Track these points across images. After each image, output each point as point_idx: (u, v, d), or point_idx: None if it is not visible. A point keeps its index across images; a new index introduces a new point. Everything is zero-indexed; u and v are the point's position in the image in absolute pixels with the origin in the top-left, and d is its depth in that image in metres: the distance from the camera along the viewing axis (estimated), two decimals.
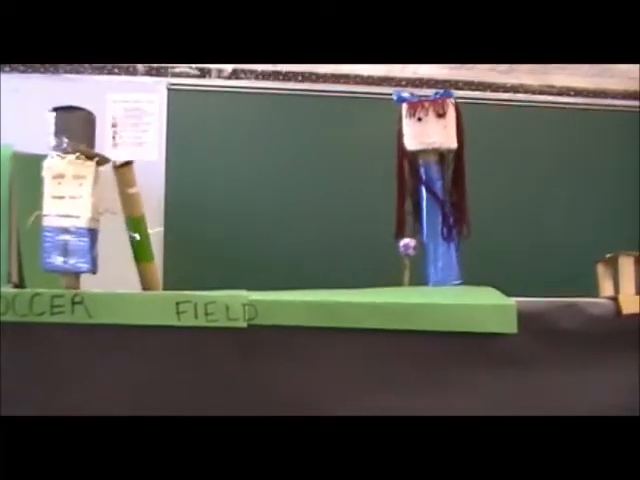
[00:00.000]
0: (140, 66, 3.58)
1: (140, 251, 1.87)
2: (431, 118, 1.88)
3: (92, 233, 1.60)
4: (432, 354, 1.49)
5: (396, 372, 1.49)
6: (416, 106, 1.89)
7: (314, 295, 1.53)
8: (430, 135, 1.88)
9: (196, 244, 3.49)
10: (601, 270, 1.69)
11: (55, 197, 1.60)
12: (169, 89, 3.60)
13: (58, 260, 1.58)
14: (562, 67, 3.67)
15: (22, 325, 1.45)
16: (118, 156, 3.40)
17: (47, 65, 3.52)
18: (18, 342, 1.46)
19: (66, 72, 3.53)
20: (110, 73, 3.57)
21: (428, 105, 1.89)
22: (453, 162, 1.92)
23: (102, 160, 1.65)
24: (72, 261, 1.58)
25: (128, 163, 1.82)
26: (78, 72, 3.54)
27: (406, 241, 1.99)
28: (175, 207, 3.52)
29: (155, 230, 1.88)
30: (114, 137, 3.56)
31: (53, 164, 1.61)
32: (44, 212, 1.60)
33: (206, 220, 3.54)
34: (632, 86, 3.72)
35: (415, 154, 1.91)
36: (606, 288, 1.66)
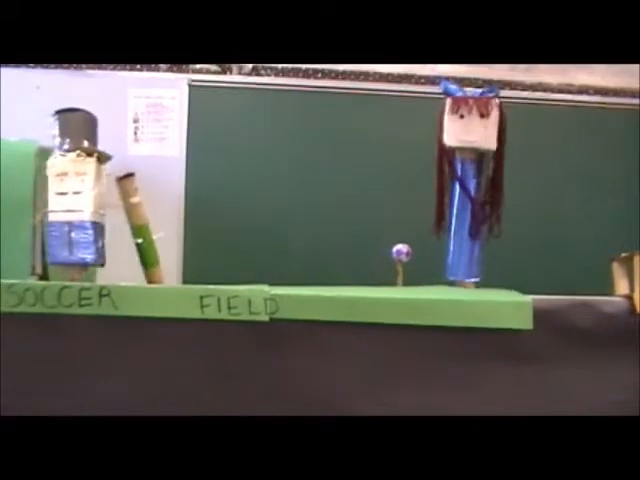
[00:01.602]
0: None
1: (146, 256, 1.91)
2: (474, 116, 1.86)
3: (96, 226, 1.66)
4: (449, 349, 1.51)
5: (415, 367, 1.52)
6: (460, 102, 1.87)
7: (334, 291, 1.55)
8: (471, 134, 1.86)
9: (215, 237, 3.50)
10: (616, 269, 1.70)
11: (59, 194, 1.67)
12: (190, 85, 3.61)
13: (63, 253, 1.63)
14: (581, 66, 3.67)
15: (50, 316, 1.48)
16: (139, 151, 3.47)
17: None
18: (46, 333, 1.49)
19: (88, 67, 3.55)
20: (132, 69, 3.59)
21: (472, 103, 1.86)
22: (492, 163, 1.90)
23: (102, 157, 1.70)
24: (77, 253, 1.63)
25: (129, 175, 1.87)
26: (100, 68, 3.55)
27: (399, 247, 2.00)
28: (195, 201, 3.54)
29: (158, 235, 1.92)
30: (136, 132, 3.58)
31: (56, 163, 1.68)
32: (49, 208, 1.65)
33: (226, 214, 3.55)
34: None
35: (453, 150, 1.90)
36: (621, 287, 1.67)
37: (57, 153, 1.70)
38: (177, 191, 3.53)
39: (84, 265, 1.67)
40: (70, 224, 1.65)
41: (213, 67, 3.63)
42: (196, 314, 1.48)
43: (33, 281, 1.72)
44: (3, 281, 1.48)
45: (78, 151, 1.67)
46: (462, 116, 1.86)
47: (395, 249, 2.00)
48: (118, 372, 1.50)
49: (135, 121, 3.58)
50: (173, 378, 1.50)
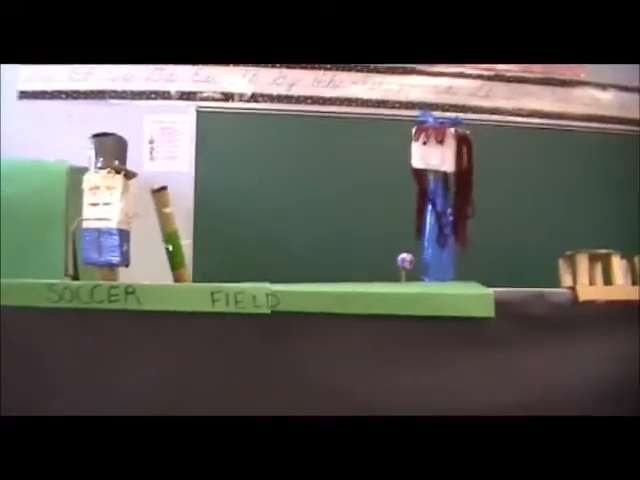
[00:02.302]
0: (173, 92, 3.61)
1: (174, 260, 1.92)
2: (432, 143, 1.89)
3: (122, 232, 1.68)
4: (423, 336, 1.52)
5: (394, 353, 1.52)
6: (422, 130, 1.91)
7: (327, 287, 1.56)
8: (431, 158, 1.89)
9: (221, 241, 3.51)
10: (562, 265, 1.71)
11: (91, 204, 1.69)
12: (198, 111, 3.63)
13: (94, 255, 1.66)
14: (531, 93, 3.71)
15: (83, 311, 1.49)
16: (154, 168, 3.48)
17: (95, 92, 3.55)
18: (81, 326, 1.50)
19: (111, 98, 3.56)
20: (148, 98, 3.60)
21: (431, 131, 1.90)
22: (456, 183, 1.92)
23: (129, 174, 1.74)
24: (105, 256, 1.65)
25: (163, 188, 1.89)
26: (121, 98, 3.57)
27: (404, 256, 2.01)
28: (203, 211, 3.55)
29: (186, 242, 1.94)
30: (151, 152, 3.59)
31: (90, 178, 1.71)
32: (83, 217, 1.68)
33: (230, 222, 3.56)
34: (587, 110, 3.77)
35: (422, 170, 1.93)
36: (566, 280, 1.69)
37: (92, 170, 1.73)
38: (187, 202, 3.53)
39: (110, 266, 1.68)
40: (99, 231, 1.67)
41: (217, 95, 3.64)
42: (208, 308, 1.49)
43: (69, 281, 1.73)
44: (45, 281, 1.49)
45: (108, 169, 1.70)
46: (424, 142, 1.90)
47: (400, 257, 2.01)
48: (143, 359, 1.51)
49: (151, 142, 3.59)
50: (189, 364, 1.51)
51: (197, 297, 1.50)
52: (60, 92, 3.54)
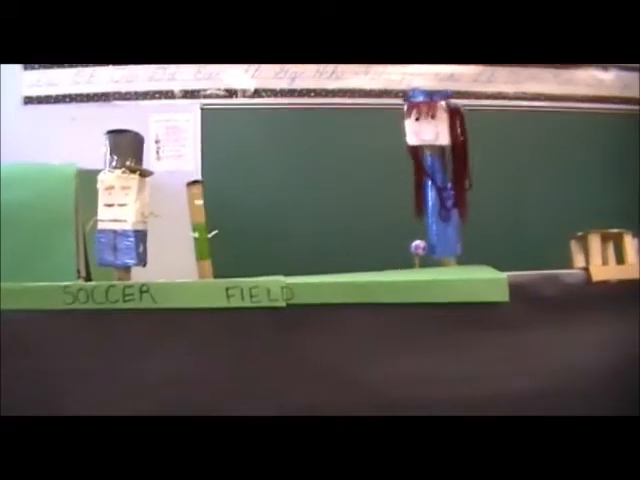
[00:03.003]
0: (177, 90, 3.60)
1: (200, 250, 1.93)
2: (425, 118, 1.90)
3: (137, 234, 1.67)
4: (440, 321, 1.52)
5: (412, 338, 1.53)
6: (413, 107, 1.91)
7: (339, 277, 1.56)
8: (425, 133, 1.90)
9: (229, 236, 3.50)
10: (574, 245, 1.71)
11: (106, 205, 1.68)
12: (202, 109, 3.62)
13: (110, 257, 1.65)
14: (533, 77, 3.69)
15: (99, 311, 1.49)
16: (161, 167, 3.48)
17: (99, 94, 3.55)
18: (97, 326, 1.50)
19: (115, 99, 3.56)
20: (152, 98, 3.59)
21: (422, 107, 1.90)
22: (453, 156, 1.93)
23: (145, 173, 1.71)
24: (121, 257, 1.65)
25: (197, 182, 1.88)
26: (125, 99, 3.56)
27: (417, 242, 2.02)
28: (210, 207, 3.54)
29: (213, 233, 1.94)
30: (157, 151, 3.58)
31: (105, 178, 1.68)
32: (98, 217, 1.67)
33: (237, 216, 3.55)
34: (591, 91, 3.74)
35: (418, 147, 1.93)
36: (578, 260, 1.69)
37: (106, 169, 1.70)
38: None
39: (127, 268, 1.68)
40: (115, 232, 1.66)
41: (221, 92, 3.63)
42: (223, 303, 1.49)
43: (83, 282, 1.74)
44: (60, 283, 1.49)
45: (123, 168, 1.68)
46: (417, 119, 1.90)
47: (414, 244, 2.01)
48: (161, 355, 1.51)
49: (156, 142, 3.59)
50: (206, 358, 1.51)
51: (212, 293, 1.50)
52: (64, 96, 3.54)
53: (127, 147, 1.73)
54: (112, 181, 1.67)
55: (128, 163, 1.69)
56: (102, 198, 1.68)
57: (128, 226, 1.65)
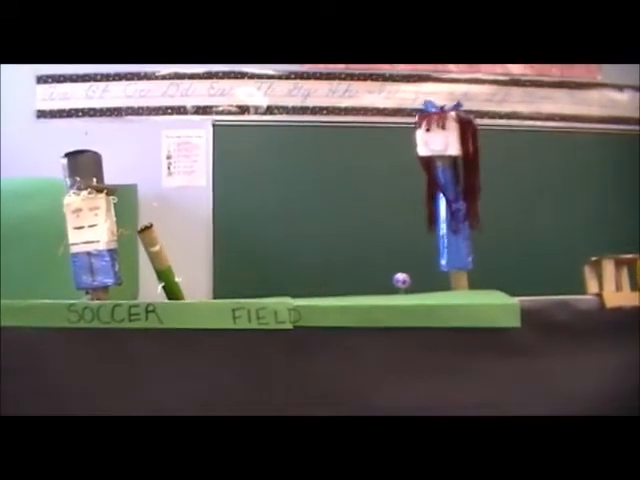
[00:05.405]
0: (189, 106, 3.61)
1: (172, 295, 1.87)
2: (435, 129, 1.91)
3: (111, 252, 1.65)
4: (450, 346, 1.50)
5: (421, 363, 1.50)
6: (424, 118, 1.93)
7: (348, 300, 1.54)
8: (435, 144, 1.91)
9: (241, 254, 3.51)
10: (587, 271, 1.68)
11: (76, 228, 1.65)
12: (214, 125, 3.63)
13: (87, 279, 1.63)
14: (547, 97, 3.68)
15: (105, 331, 1.47)
16: (172, 183, 3.48)
17: (111, 109, 3.56)
18: (102, 346, 1.49)
19: (127, 114, 3.57)
20: (164, 113, 3.61)
21: (433, 118, 1.92)
22: (463, 167, 1.94)
23: (110, 191, 1.69)
24: (99, 278, 1.63)
25: (147, 227, 1.84)
26: (137, 114, 3.58)
27: (397, 276, 2.01)
28: (222, 224, 3.55)
29: (179, 279, 1.88)
30: (169, 167, 3.59)
31: (71, 201, 1.66)
32: (70, 242, 1.64)
33: (248, 232, 3.56)
34: (605, 112, 3.72)
35: (430, 159, 1.94)
36: (592, 286, 1.66)
37: (70, 192, 1.67)
38: (206, 216, 3.55)
39: (105, 288, 1.66)
40: (89, 254, 1.64)
41: (233, 108, 3.64)
42: (229, 325, 1.48)
43: (89, 300, 1.72)
44: (65, 301, 1.48)
45: (89, 189, 1.66)
46: (427, 129, 1.91)
47: (395, 278, 2.01)
48: (165, 375, 1.49)
49: (168, 157, 3.60)
50: (211, 380, 1.50)
51: (218, 314, 1.49)
52: (77, 110, 3.56)
53: (88, 167, 1.71)
54: (79, 203, 1.65)
55: (93, 183, 1.67)
56: (71, 222, 1.65)
57: (102, 246, 1.63)
